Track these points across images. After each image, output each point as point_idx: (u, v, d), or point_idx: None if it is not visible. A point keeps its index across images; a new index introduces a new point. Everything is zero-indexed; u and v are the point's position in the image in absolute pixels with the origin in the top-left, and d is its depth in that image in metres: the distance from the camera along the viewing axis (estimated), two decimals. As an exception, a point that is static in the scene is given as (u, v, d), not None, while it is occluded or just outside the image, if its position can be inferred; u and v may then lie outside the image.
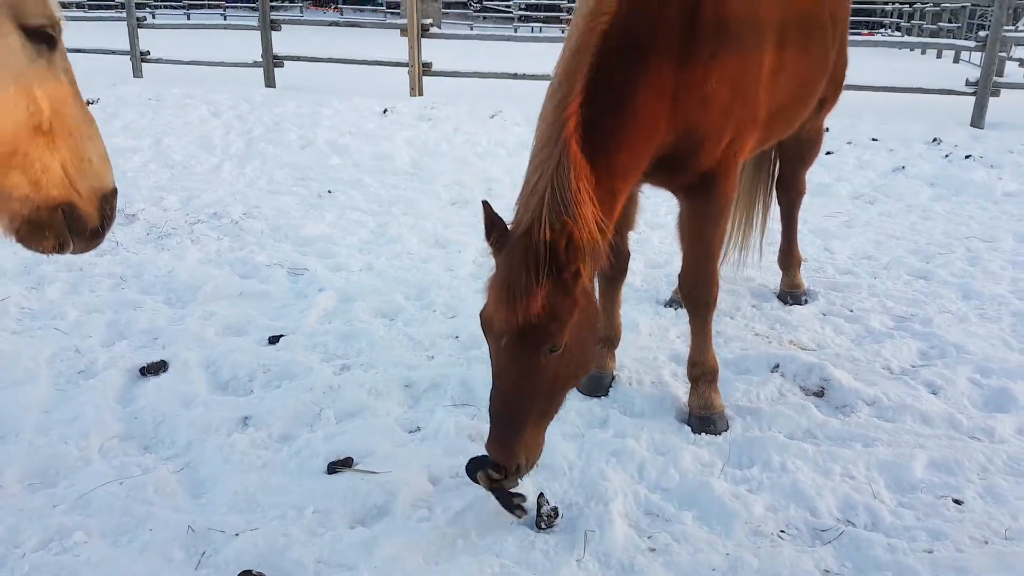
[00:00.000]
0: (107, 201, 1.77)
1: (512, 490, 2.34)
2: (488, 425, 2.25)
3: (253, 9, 34.90)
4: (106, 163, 1.76)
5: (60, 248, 1.71)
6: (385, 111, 9.33)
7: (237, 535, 2.24)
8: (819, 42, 3.19)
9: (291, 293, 4.16)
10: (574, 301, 2.17)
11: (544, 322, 2.11)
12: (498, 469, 2.23)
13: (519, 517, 2.35)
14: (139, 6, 12.85)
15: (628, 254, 3.18)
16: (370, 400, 3.03)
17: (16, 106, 1.55)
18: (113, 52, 12.77)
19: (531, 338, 2.12)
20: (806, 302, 4.14)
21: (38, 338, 3.48)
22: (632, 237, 3.19)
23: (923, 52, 22.52)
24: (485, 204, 2.28)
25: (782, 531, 2.37)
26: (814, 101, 3.42)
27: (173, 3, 40.00)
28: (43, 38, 1.58)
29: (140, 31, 12.84)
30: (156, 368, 3.24)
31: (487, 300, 2.22)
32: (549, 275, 2.10)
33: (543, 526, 2.33)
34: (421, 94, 10.74)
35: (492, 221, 2.24)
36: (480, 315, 2.26)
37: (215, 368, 3.29)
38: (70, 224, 1.70)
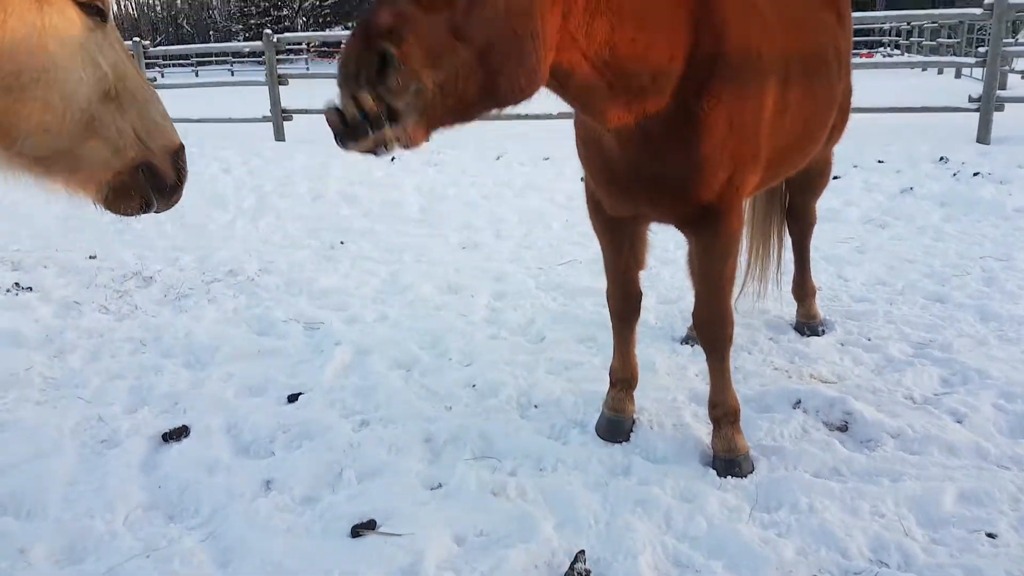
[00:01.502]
0: (178, 156, 1.92)
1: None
2: None
3: (260, 63, 35.70)
4: (169, 121, 1.91)
5: (146, 207, 1.88)
6: (393, 158, 9.45)
7: (265, 605, 2.24)
8: (825, 80, 3.17)
9: (308, 348, 4.19)
10: None
11: None
12: (346, 59, 1.63)
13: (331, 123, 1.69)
14: (148, 65, 13.15)
15: (640, 294, 3.18)
16: (390, 457, 3.03)
17: (86, 74, 1.68)
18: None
19: None
20: (823, 332, 4.12)
21: (61, 408, 3.52)
22: (642, 276, 3.18)
23: (923, 69, 22.60)
24: None
25: (814, 576, 2.34)
26: (822, 139, 3.42)
27: (182, 61, 40.95)
28: (95, 11, 1.73)
29: (151, 92, 13.14)
30: (178, 434, 3.26)
31: None
32: None
33: None
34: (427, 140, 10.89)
35: None
36: None
37: (236, 431, 3.31)
38: (150, 182, 1.85)
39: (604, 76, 2.24)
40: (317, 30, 50.83)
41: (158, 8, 66.84)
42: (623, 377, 3.21)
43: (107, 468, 2.98)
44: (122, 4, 69.12)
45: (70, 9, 1.68)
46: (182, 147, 1.96)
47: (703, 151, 2.49)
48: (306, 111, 12.20)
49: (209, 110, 13.29)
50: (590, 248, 5.75)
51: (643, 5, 2.25)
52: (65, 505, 2.77)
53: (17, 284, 5.26)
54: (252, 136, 11.96)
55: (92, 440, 3.25)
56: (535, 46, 1.93)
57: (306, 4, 56.57)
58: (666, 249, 5.65)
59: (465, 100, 1.84)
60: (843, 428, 3.17)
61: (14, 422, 3.38)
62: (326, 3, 53.57)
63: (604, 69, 2.22)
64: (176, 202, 1.98)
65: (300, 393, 3.62)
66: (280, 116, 12.02)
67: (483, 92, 1.87)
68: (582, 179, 2.86)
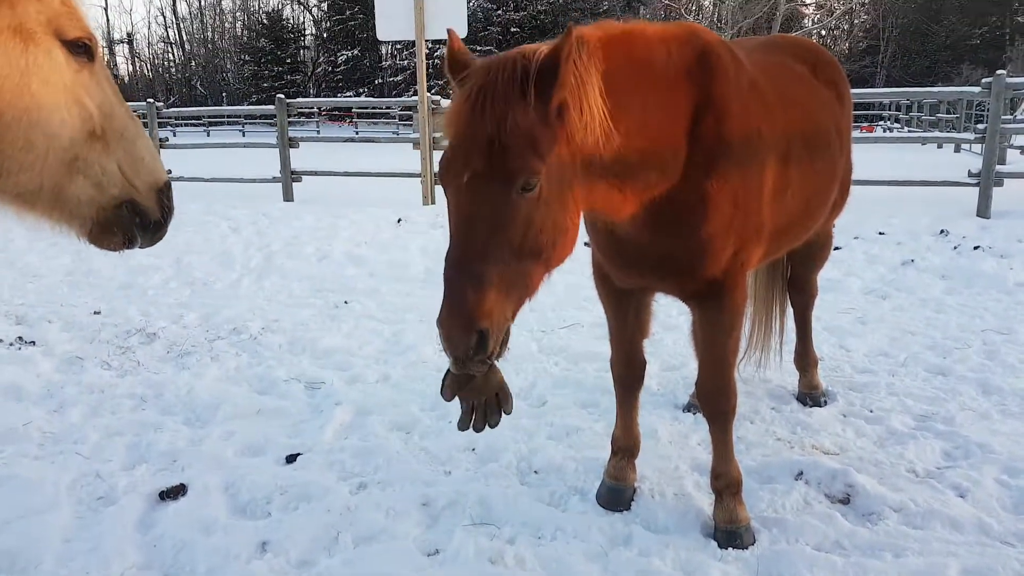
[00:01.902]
0: (164, 193, 1.90)
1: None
2: None
3: (271, 125, 36.48)
4: (156, 159, 1.90)
5: (129, 243, 1.87)
6: (399, 220, 9.59)
7: (256, 672, 2.20)
8: (826, 157, 3.24)
9: (308, 408, 4.18)
10: (554, 137, 1.96)
11: (520, 147, 1.87)
12: (454, 345, 1.89)
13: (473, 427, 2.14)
14: (161, 125, 13.47)
15: (644, 362, 3.20)
16: (387, 522, 3.00)
17: (70, 115, 1.69)
18: (138, 172, 13.34)
19: (503, 167, 1.87)
20: (825, 403, 4.12)
21: (59, 463, 3.50)
22: (645, 343, 3.20)
23: (923, 143, 23.02)
24: (450, 32, 2.12)
25: (817, 653, 2.29)
26: (824, 214, 3.48)
27: (194, 121, 41.86)
28: (82, 51, 1.74)
29: (163, 151, 13.44)
30: (175, 492, 3.24)
31: (449, 132, 1.98)
32: (538, 92, 1.89)
33: None
34: (434, 202, 11.07)
35: (458, 54, 2.04)
36: (440, 162, 2.00)
37: (234, 490, 3.28)
38: (134, 219, 1.84)
39: (616, 185, 2.31)
40: (328, 95, 52.14)
41: (173, 70, 68.59)
42: (625, 445, 3.20)
43: (103, 526, 2.96)
44: (137, 65, 71.09)
45: (56, 50, 1.69)
46: (168, 184, 1.96)
47: (709, 229, 2.54)
48: (315, 173, 12.45)
49: (220, 170, 13.53)
50: (593, 312, 5.78)
51: (647, 114, 2.32)
52: (60, 563, 2.74)
53: (20, 338, 5.29)
54: (261, 196, 12.14)
55: (89, 497, 3.23)
56: (574, 218, 2.13)
57: (318, 70, 58.14)
58: (669, 315, 5.67)
59: (531, 290, 2.09)
60: (845, 501, 3.14)
61: (10, 477, 3.36)
62: (337, 70, 55.04)
63: (615, 180, 2.29)
64: (161, 238, 1.97)
65: (299, 453, 3.60)
66: (290, 177, 12.24)
67: (543, 274, 2.12)
68: (586, 244, 2.91)
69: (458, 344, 1.89)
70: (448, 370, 2.08)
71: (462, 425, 2.19)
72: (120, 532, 2.91)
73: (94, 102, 1.75)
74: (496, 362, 2.04)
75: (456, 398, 2.13)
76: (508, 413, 2.19)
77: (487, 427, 2.19)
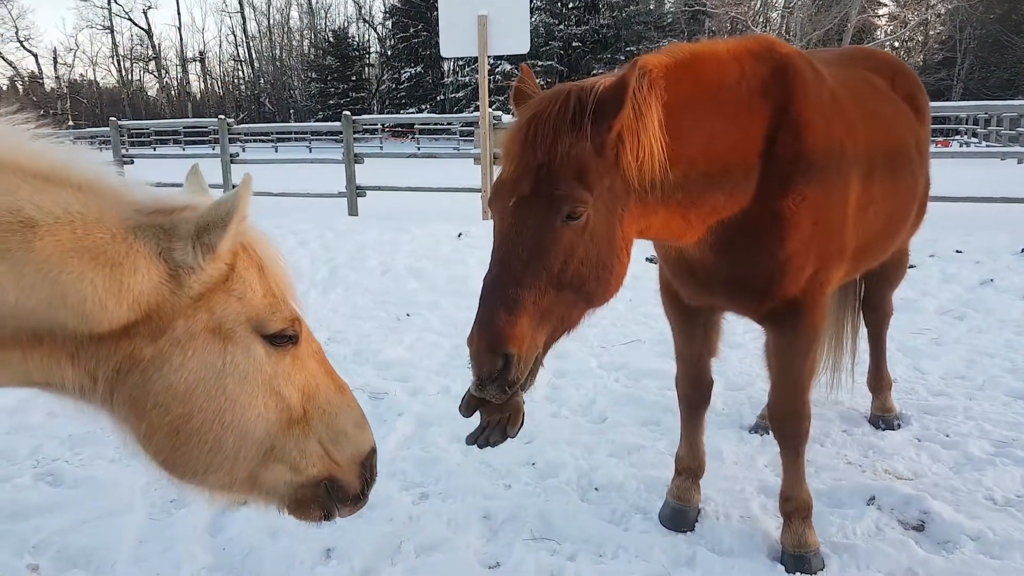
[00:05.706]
0: (365, 464, 1.73)
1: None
2: None
3: (337, 141, 37.35)
4: (362, 428, 1.72)
5: (327, 516, 1.71)
6: (460, 235, 9.68)
7: (320, 678, 2.22)
8: (907, 173, 3.12)
9: (372, 418, 4.14)
10: (605, 168, 1.96)
11: (567, 176, 1.89)
12: (479, 365, 1.89)
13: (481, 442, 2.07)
14: (231, 140, 13.92)
15: (711, 382, 3.13)
16: (449, 532, 3.01)
17: (267, 408, 1.55)
18: (210, 186, 13.83)
19: (548, 193, 1.89)
20: (899, 426, 3.97)
21: (134, 467, 3.61)
22: (712, 363, 3.15)
23: (1002, 158, 22.13)
24: (524, 67, 2.17)
25: None
26: (905, 231, 3.36)
27: (263, 137, 43.17)
28: (286, 340, 1.59)
29: (233, 166, 13.89)
30: (243, 497, 3.31)
31: (502, 159, 2.00)
32: (594, 124, 1.90)
33: None
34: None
35: (525, 86, 2.10)
36: (492, 187, 2.01)
37: (299, 497, 3.34)
38: (333, 495, 1.68)
39: (678, 211, 2.25)
40: (391, 112, 53.17)
41: (242, 87, 70.95)
42: (689, 465, 3.14)
43: (175, 528, 3.05)
44: (208, 82, 73.84)
45: (257, 346, 1.54)
46: (372, 451, 1.75)
47: (787, 249, 2.45)
48: (379, 188, 12.69)
49: (288, 185, 13.91)
50: (655, 328, 5.73)
51: (715, 139, 2.25)
52: (133, 563, 2.84)
53: (101, 344, 5.51)
54: (327, 210, 12.44)
55: (161, 500, 3.33)
56: (621, 256, 2.09)
57: (382, 88, 59.36)
58: (734, 333, 5.57)
59: (569, 324, 2.07)
60: (919, 528, 3.02)
61: (88, 478, 3.50)
62: (401, 87, 56.07)
63: (678, 206, 2.24)
64: (361, 508, 1.76)
65: (363, 463, 3.64)
66: (355, 192, 12.50)
67: (583, 310, 2.08)
68: (648, 259, 2.89)
69: (483, 364, 1.89)
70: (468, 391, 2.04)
71: (470, 440, 2.16)
72: (191, 535, 3.00)
73: (295, 386, 1.61)
74: (521, 391, 2.00)
75: (476, 413, 2.11)
76: (512, 436, 2.14)
77: (490, 445, 2.14)
